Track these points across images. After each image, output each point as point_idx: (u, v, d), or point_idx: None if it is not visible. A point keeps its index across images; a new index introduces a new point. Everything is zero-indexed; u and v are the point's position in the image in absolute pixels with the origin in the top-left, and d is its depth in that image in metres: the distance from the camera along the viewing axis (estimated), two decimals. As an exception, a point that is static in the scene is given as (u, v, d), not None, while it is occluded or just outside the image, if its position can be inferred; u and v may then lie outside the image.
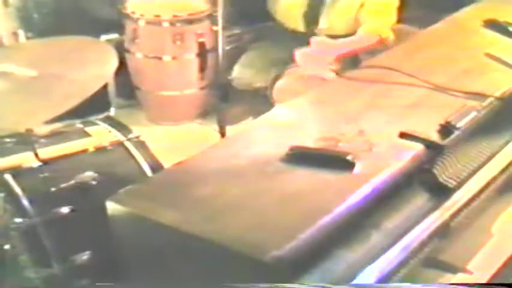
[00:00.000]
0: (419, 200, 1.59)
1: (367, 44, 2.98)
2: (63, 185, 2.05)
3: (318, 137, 1.61)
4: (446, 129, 1.65)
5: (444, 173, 1.64)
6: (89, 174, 2.09)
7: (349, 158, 1.51)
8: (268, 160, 1.54)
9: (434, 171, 1.62)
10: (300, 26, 3.18)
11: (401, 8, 3.08)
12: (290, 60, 3.14)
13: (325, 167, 1.49)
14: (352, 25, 3.10)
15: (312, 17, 3.15)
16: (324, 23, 3.14)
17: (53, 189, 2.03)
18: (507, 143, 1.82)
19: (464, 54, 2.08)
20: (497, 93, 1.82)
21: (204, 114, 3.65)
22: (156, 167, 2.19)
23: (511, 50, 2.08)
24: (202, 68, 3.62)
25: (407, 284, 1.46)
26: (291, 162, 1.52)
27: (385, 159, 1.55)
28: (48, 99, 1.88)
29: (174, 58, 3.58)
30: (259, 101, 3.04)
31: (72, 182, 2.06)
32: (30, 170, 2.06)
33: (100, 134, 2.28)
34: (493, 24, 2.26)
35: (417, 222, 1.53)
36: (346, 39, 3.02)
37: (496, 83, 1.88)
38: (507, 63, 1.99)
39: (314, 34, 3.13)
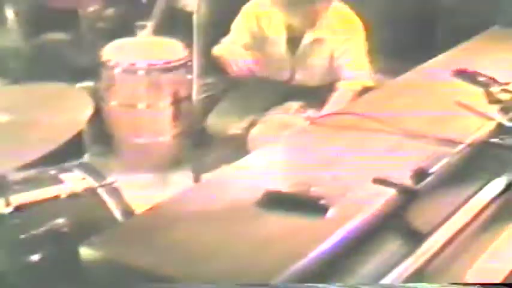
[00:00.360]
0: (393, 245, 1.59)
1: (352, 97, 3.01)
2: (34, 232, 2.02)
3: (292, 182, 1.62)
4: (419, 175, 1.67)
5: (417, 218, 1.64)
6: (61, 221, 2.06)
7: (322, 202, 1.52)
8: (243, 205, 1.54)
9: (408, 216, 1.63)
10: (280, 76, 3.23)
11: (371, 55, 3.15)
12: (265, 108, 3.17)
13: (299, 212, 1.50)
14: (325, 76, 3.14)
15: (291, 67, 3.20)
16: (299, 74, 3.19)
17: (23, 236, 2.01)
18: (480, 188, 1.84)
19: (435, 102, 2.12)
20: (468, 140, 1.85)
21: (178, 162, 3.64)
22: (130, 213, 2.18)
23: (480, 97, 2.12)
24: (176, 117, 3.63)
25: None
26: (265, 206, 1.53)
27: (358, 204, 1.55)
28: (23, 145, 1.87)
29: (148, 106, 3.59)
30: (234, 148, 3.05)
31: (44, 228, 2.04)
32: (1, 216, 2.03)
33: (74, 180, 2.27)
34: (463, 74, 2.31)
35: (391, 268, 1.53)
36: (330, 102, 3.04)
37: (467, 130, 1.92)
38: (476, 110, 2.03)
39: (291, 84, 3.19)
